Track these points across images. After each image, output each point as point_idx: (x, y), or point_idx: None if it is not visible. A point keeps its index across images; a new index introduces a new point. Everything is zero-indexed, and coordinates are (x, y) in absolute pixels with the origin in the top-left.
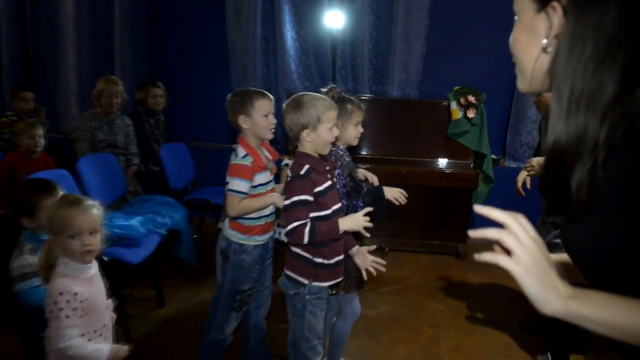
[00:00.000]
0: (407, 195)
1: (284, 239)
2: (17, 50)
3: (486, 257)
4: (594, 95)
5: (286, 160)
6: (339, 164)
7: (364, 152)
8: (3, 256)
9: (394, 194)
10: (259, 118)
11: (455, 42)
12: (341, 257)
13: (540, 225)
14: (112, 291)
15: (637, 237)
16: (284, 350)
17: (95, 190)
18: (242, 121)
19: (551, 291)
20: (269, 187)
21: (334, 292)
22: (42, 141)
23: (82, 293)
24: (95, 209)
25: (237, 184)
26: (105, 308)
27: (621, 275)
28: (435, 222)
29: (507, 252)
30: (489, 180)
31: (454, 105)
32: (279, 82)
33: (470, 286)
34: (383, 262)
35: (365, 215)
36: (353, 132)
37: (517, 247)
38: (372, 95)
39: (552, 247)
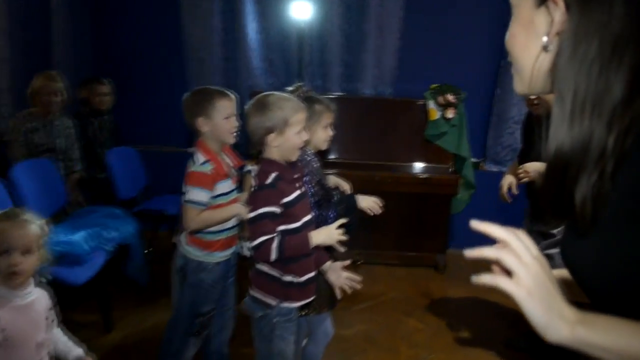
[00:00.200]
0: (382, 204)
1: (247, 253)
2: None
3: (484, 279)
4: (600, 99)
5: (249, 166)
6: (307, 170)
7: (333, 157)
8: None
9: (369, 203)
10: (221, 120)
11: (432, 36)
12: (313, 274)
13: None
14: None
15: None
16: None
17: (31, 201)
18: (202, 124)
19: (557, 316)
20: (232, 196)
21: (304, 312)
22: None
23: (1, 321)
24: (34, 226)
25: (196, 193)
26: (36, 347)
27: (631, 296)
28: (412, 232)
29: (507, 272)
30: (470, 185)
31: (431, 104)
32: (241, 79)
33: (451, 301)
34: (358, 278)
35: (339, 227)
36: (322, 135)
37: (518, 267)
38: (342, 94)
39: None
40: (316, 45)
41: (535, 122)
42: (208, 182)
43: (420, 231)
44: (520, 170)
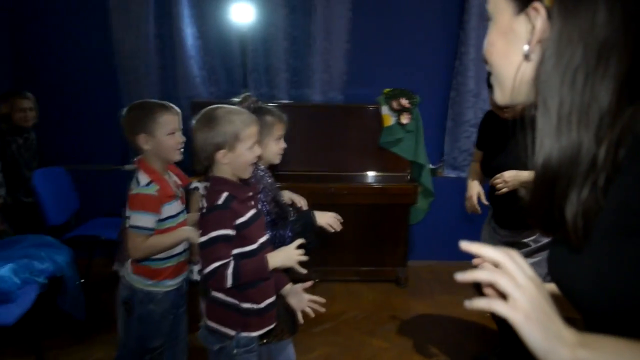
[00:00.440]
0: (342, 220)
1: (197, 278)
2: None
3: (479, 304)
4: (586, 109)
5: (195, 183)
6: (261, 187)
7: (282, 169)
8: None
9: (328, 220)
10: (164, 137)
11: (382, 38)
12: (273, 299)
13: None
14: None
15: None
16: None
17: None
18: (143, 141)
19: (556, 340)
20: (180, 219)
21: (265, 341)
22: None
23: None
24: None
25: (140, 218)
26: None
27: (628, 314)
28: (369, 246)
29: (502, 295)
30: (429, 193)
31: (385, 110)
32: (179, 89)
33: (416, 317)
34: (322, 300)
35: (298, 247)
36: (275, 149)
37: (513, 289)
38: (290, 102)
39: None
40: (260, 50)
41: (511, 126)
42: (154, 204)
43: (378, 244)
44: (498, 180)
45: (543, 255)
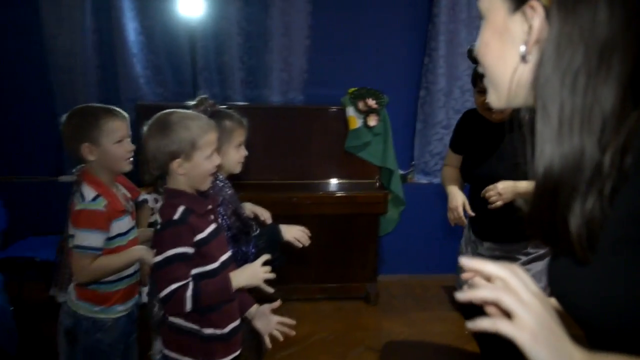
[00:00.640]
0: (310, 234)
1: (146, 299)
2: None
3: (483, 324)
4: (588, 113)
5: (144, 195)
6: (221, 199)
7: (241, 179)
8: None
9: (295, 234)
10: (111, 145)
11: (346, 32)
12: (237, 322)
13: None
14: None
15: None
16: None
17: None
18: (88, 151)
19: None
20: (131, 236)
21: None
22: None
23: None
24: None
25: (87, 237)
26: None
27: (636, 330)
28: (336, 260)
29: (506, 313)
30: (399, 201)
31: (350, 111)
32: (121, 91)
33: (388, 337)
34: (292, 321)
35: (264, 263)
36: (235, 157)
37: (519, 308)
38: (246, 103)
39: None
40: (211, 46)
41: (507, 129)
42: (102, 221)
43: (345, 258)
44: (491, 193)
45: (536, 266)
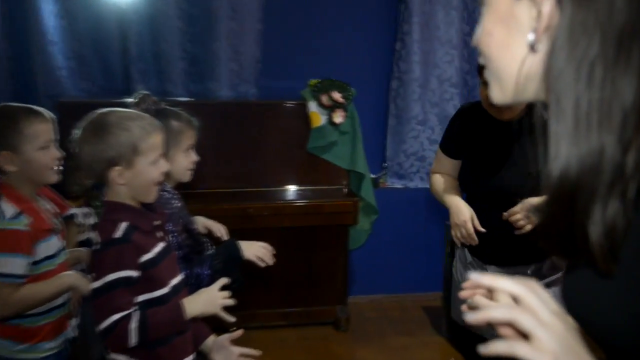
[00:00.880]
0: (275, 252)
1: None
2: None
3: (498, 347)
4: (607, 107)
5: (73, 209)
6: (169, 213)
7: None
8: None
9: (256, 251)
10: (34, 153)
11: (305, 15)
12: (192, 357)
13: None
14: None
15: None
16: None
17: None
18: (6, 160)
19: None
20: (61, 259)
21: None
22: None
23: None
24: None
25: (7, 263)
26: None
27: None
28: (299, 280)
29: (522, 334)
30: (371, 210)
31: (313, 106)
32: (39, 85)
33: None
34: (256, 352)
35: (222, 288)
36: (184, 163)
37: (538, 328)
38: (189, 99)
39: None
40: (146, 32)
41: (522, 129)
42: (24, 243)
43: (311, 277)
44: (518, 217)
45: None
